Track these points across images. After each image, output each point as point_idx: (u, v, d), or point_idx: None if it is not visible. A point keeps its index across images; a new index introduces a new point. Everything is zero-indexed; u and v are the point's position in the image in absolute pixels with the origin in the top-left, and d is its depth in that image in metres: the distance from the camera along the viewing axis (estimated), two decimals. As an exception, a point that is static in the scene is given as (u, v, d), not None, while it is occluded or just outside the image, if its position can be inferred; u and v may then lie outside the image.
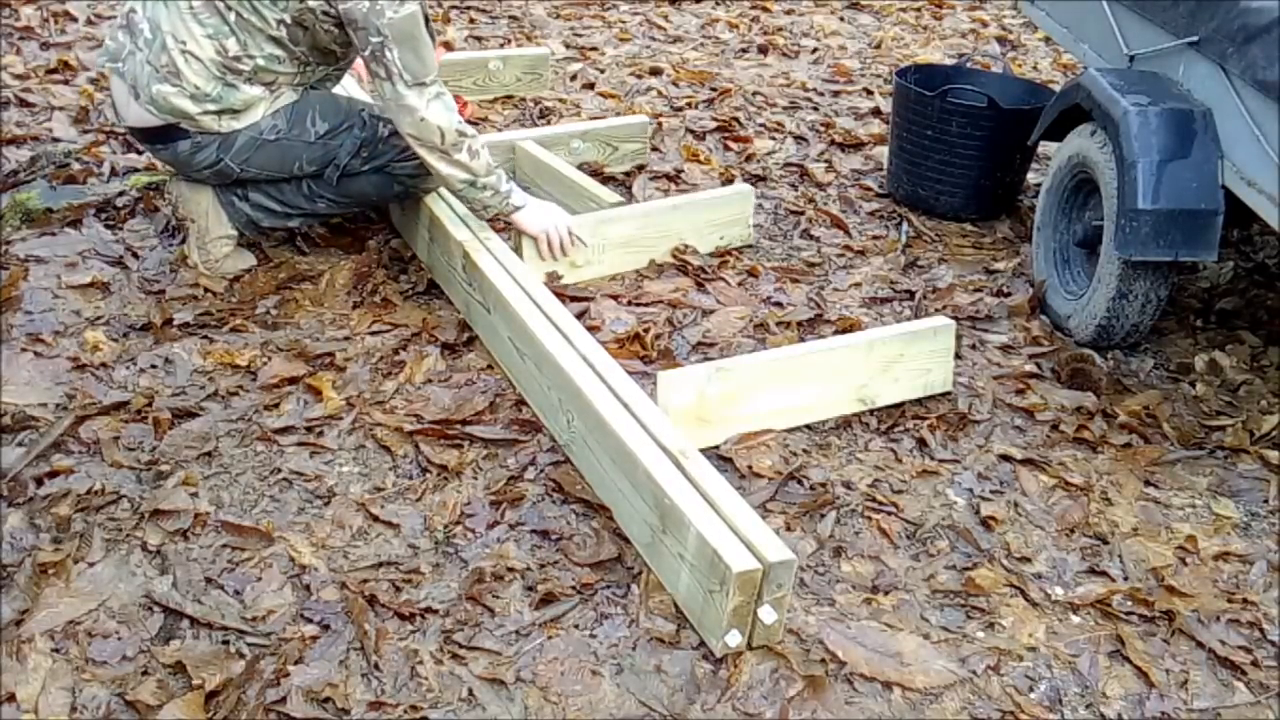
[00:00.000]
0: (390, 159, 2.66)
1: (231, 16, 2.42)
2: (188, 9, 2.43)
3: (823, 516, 2.11)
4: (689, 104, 4.15)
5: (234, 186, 2.67)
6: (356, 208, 2.83)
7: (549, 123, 3.87)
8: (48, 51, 4.02)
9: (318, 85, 2.67)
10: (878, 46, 5.09)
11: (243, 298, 2.65)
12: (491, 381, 2.42)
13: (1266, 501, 2.27)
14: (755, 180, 3.58)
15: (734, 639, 1.74)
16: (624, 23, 5.10)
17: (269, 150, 2.58)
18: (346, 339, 2.53)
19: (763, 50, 4.88)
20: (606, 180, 3.44)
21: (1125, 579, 2.04)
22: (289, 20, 2.44)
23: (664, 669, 1.75)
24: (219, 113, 2.50)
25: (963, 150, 3.31)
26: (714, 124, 3.97)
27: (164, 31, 2.45)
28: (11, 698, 1.61)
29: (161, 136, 2.56)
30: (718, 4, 5.50)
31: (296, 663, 1.70)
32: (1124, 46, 2.86)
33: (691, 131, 3.89)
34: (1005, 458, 2.33)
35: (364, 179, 2.68)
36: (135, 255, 2.77)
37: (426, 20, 2.48)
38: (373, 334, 2.55)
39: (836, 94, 4.43)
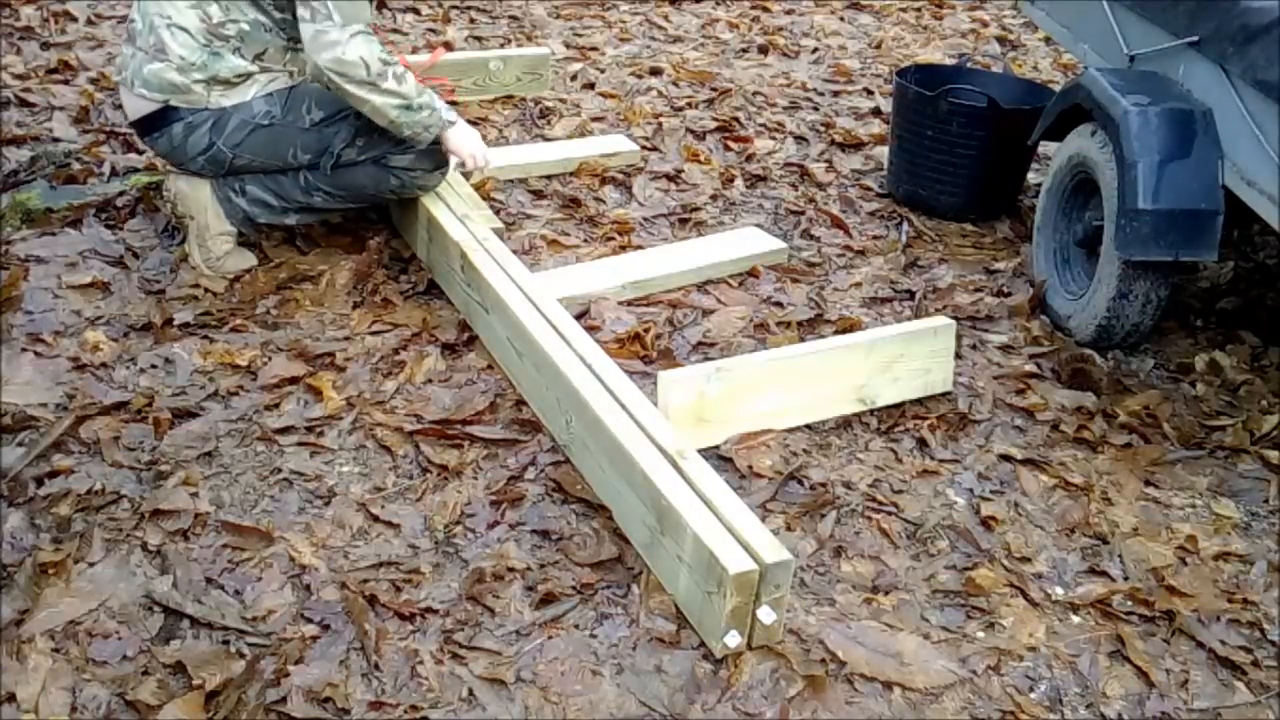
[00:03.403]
0: (386, 150, 2.65)
1: None
2: None
3: (823, 516, 2.11)
4: (689, 104, 4.15)
5: (231, 180, 2.67)
6: (353, 202, 2.82)
7: (549, 124, 3.87)
8: (48, 51, 4.02)
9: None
10: (878, 46, 5.09)
11: (243, 298, 2.65)
12: (492, 381, 2.42)
13: (1266, 501, 2.27)
14: (756, 180, 3.58)
15: (733, 640, 1.74)
16: (624, 23, 5.10)
17: (262, 135, 2.59)
18: (347, 339, 2.53)
19: (763, 50, 4.88)
20: (605, 182, 3.45)
21: (1125, 579, 2.04)
22: None
23: (664, 669, 1.75)
24: (207, 81, 2.52)
25: (963, 150, 3.31)
26: (714, 124, 3.96)
27: (151, 14, 2.51)
28: (11, 698, 1.61)
29: (157, 122, 2.57)
30: (718, 4, 5.50)
31: (297, 663, 1.70)
32: (1124, 46, 2.86)
33: (692, 131, 3.89)
34: (1005, 458, 2.33)
35: (359, 170, 2.68)
36: (135, 255, 2.77)
37: None
38: (373, 334, 2.55)
39: (837, 94, 4.43)
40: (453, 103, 3.85)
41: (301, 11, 2.43)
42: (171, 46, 2.49)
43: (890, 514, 2.14)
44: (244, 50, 2.53)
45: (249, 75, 2.55)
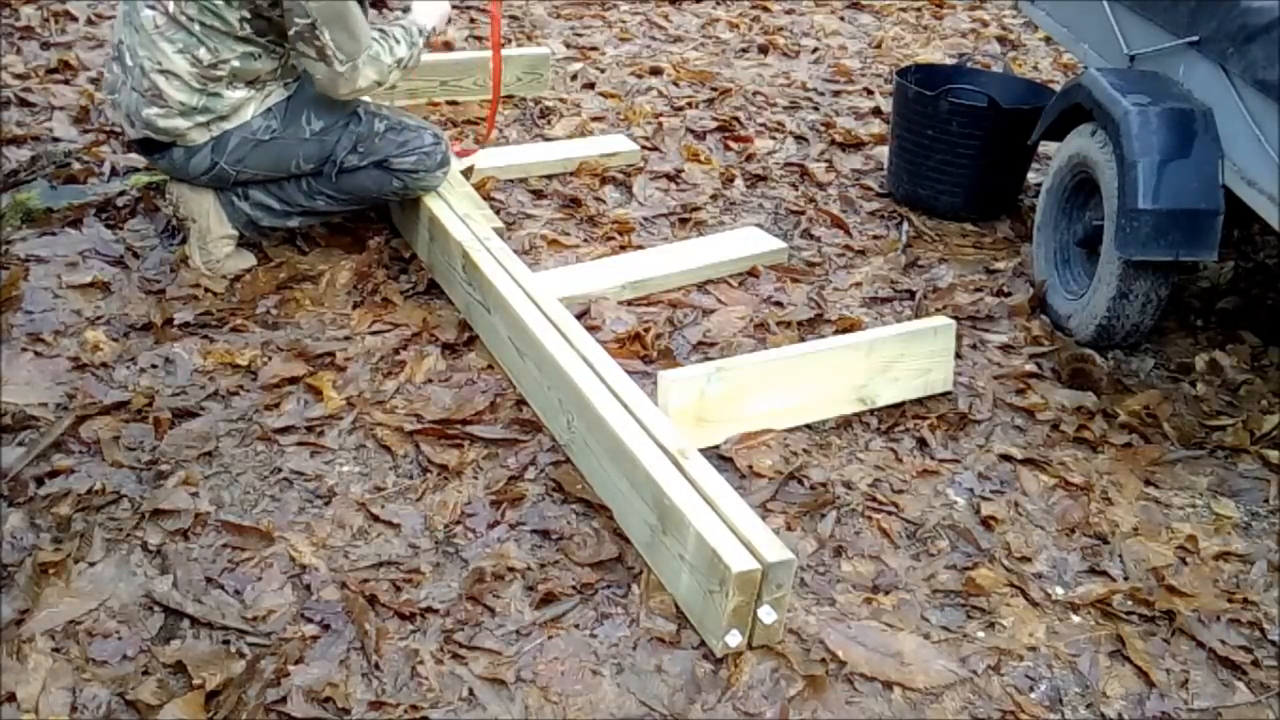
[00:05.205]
0: (388, 154, 2.66)
1: (196, 28, 2.45)
2: (155, 31, 2.46)
3: (823, 516, 2.11)
4: (689, 104, 4.15)
5: (234, 187, 2.68)
6: (356, 205, 2.83)
7: (549, 124, 3.87)
8: (48, 51, 4.02)
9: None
10: (878, 46, 5.09)
11: (243, 298, 2.65)
12: (492, 381, 2.42)
13: (1266, 501, 2.27)
14: (755, 180, 3.58)
15: (734, 639, 1.74)
16: (624, 22, 5.09)
17: (264, 150, 2.59)
18: (347, 339, 2.53)
19: (763, 50, 4.88)
20: (605, 182, 3.44)
21: (1125, 579, 2.04)
22: (249, 15, 2.46)
23: (664, 669, 1.75)
24: (208, 123, 2.54)
25: (963, 150, 3.31)
26: (714, 124, 3.96)
27: (141, 57, 2.49)
28: (11, 697, 1.61)
29: (158, 145, 2.59)
30: (718, 4, 5.50)
31: (297, 663, 1.70)
32: (1124, 46, 2.86)
33: (692, 131, 3.89)
34: (1005, 457, 2.33)
35: (363, 174, 2.68)
36: (135, 255, 2.77)
37: None
38: (373, 334, 2.55)
39: (837, 94, 4.43)
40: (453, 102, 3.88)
41: (304, 50, 2.48)
42: (169, 93, 2.48)
43: (890, 514, 2.14)
44: (238, 82, 2.53)
45: (247, 100, 2.56)
